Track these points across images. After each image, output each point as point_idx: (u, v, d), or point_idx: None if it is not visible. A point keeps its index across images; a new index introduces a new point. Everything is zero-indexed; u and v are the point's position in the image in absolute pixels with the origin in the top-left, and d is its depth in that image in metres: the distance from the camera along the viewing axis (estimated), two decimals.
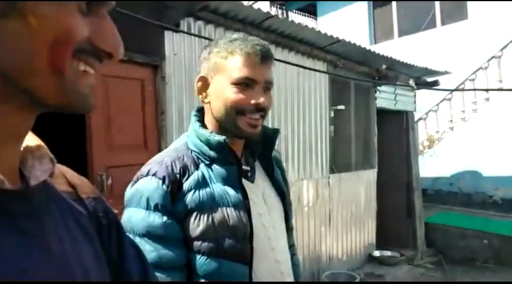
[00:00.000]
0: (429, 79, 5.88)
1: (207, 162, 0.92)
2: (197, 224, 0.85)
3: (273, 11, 10.92)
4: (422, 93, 6.31)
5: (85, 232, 0.46)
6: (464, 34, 8.04)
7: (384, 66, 4.80)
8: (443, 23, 8.70)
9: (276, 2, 11.62)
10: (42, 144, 0.45)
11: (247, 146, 1.00)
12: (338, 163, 4.69)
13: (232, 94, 0.89)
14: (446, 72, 5.71)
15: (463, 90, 7.22)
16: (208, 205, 0.87)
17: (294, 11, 12.09)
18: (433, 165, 7.37)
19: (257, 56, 0.89)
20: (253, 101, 0.89)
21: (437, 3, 8.79)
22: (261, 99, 0.89)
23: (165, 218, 0.84)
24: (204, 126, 0.95)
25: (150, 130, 2.81)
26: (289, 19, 3.89)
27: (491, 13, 7.69)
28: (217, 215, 0.86)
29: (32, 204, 0.40)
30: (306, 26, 3.76)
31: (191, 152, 0.93)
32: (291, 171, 4.05)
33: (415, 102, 5.94)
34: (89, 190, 0.51)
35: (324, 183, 4.50)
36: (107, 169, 2.55)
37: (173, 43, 2.93)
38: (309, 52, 4.13)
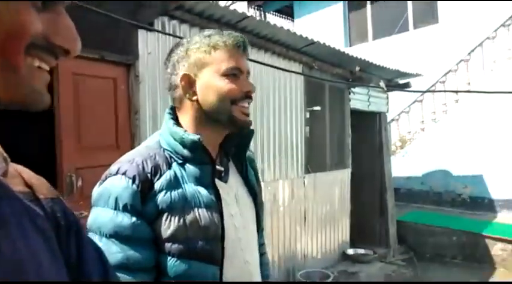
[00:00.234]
0: (401, 81, 6.04)
1: (180, 161, 0.90)
2: (168, 226, 0.83)
3: (251, 12, 10.95)
4: (394, 95, 6.47)
5: (42, 233, 0.44)
6: (435, 38, 8.32)
7: (357, 68, 4.90)
8: (415, 27, 8.97)
9: (254, 3, 11.65)
10: None
11: (222, 146, 0.99)
12: (313, 163, 4.74)
13: (225, 84, 0.90)
14: (417, 75, 5.88)
15: (433, 91, 7.46)
16: (180, 206, 0.85)
17: (271, 12, 12.17)
18: (405, 164, 7.56)
19: (239, 47, 0.92)
20: (245, 89, 0.91)
21: (410, 6, 9.04)
22: (250, 87, 0.93)
23: (134, 219, 0.82)
24: (178, 124, 0.94)
25: (123, 130, 2.76)
26: (267, 20, 3.91)
27: (460, 18, 7.98)
28: (189, 217, 0.85)
29: None
30: (282, 27, 3.78)
31: (164, 151, 0.91)
32: (267, 171, 4.07)
33: (387, 104, 6.08)
34: (46, 190, 0.49)
35: (299, 183, 4.54)
36: (77, 170, 2.49)
37: (147, 42, 2.89)
38: (285, 53, 4.16)
